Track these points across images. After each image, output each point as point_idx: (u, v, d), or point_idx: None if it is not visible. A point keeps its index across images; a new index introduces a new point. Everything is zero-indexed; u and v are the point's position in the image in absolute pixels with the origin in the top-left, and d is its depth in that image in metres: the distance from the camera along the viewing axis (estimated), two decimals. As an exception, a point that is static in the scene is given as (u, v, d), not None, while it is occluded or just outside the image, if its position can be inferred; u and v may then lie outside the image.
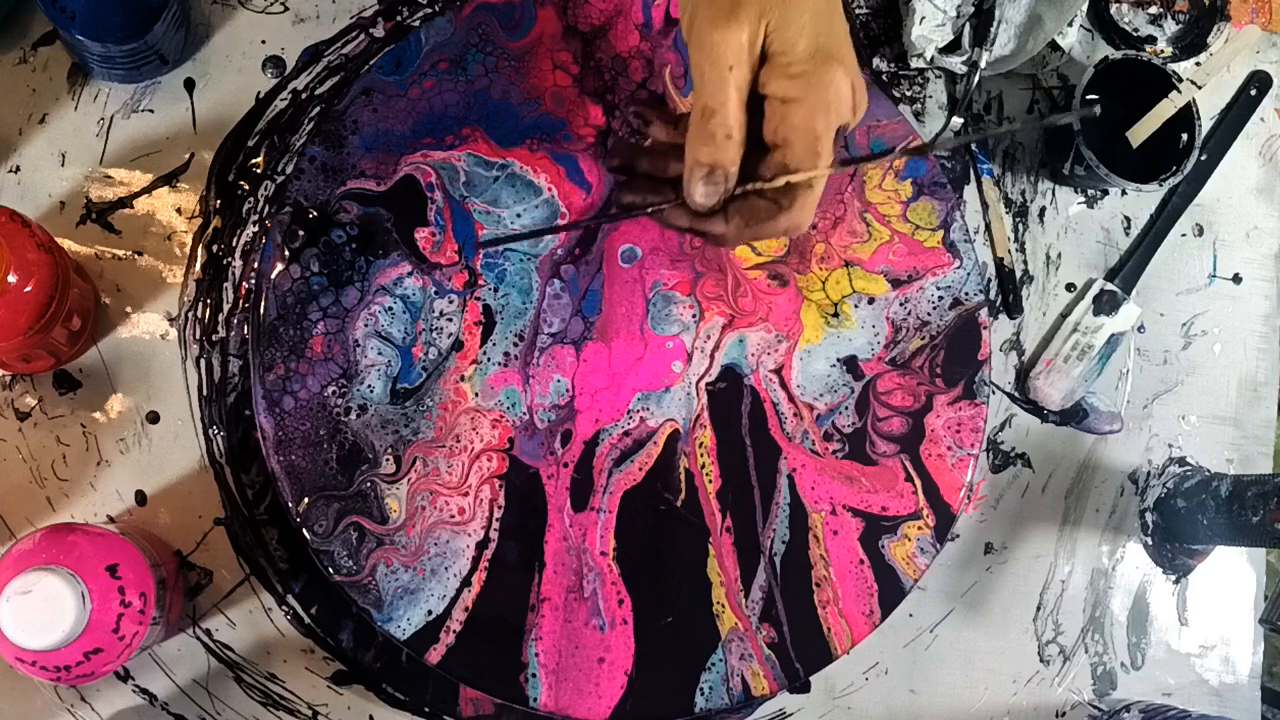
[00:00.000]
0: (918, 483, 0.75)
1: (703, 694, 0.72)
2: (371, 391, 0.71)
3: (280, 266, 0.71)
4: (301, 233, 0.71)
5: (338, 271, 0.72)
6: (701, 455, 0.74)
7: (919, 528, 0.75)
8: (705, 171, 0.58)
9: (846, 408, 0.76)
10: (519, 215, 0.74)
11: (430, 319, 0.73)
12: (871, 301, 0.77)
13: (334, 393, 0.71)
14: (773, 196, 0.59)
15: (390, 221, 0.73)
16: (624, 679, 0.71)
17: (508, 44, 0.76)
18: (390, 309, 0.72)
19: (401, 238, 0.73)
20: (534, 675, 0.71)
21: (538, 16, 0.76)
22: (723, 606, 0.73)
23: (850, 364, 0.76)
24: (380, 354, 0.72)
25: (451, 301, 0.73)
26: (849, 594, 0.74)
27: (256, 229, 0.77)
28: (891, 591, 0.74)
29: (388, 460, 0.71)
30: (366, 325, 0.72)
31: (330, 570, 0.69)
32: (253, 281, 0.76)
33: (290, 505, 0.70)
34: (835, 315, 0.76)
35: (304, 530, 0.69)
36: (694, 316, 0.75)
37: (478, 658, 0.70)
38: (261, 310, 0.71)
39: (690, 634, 0.72)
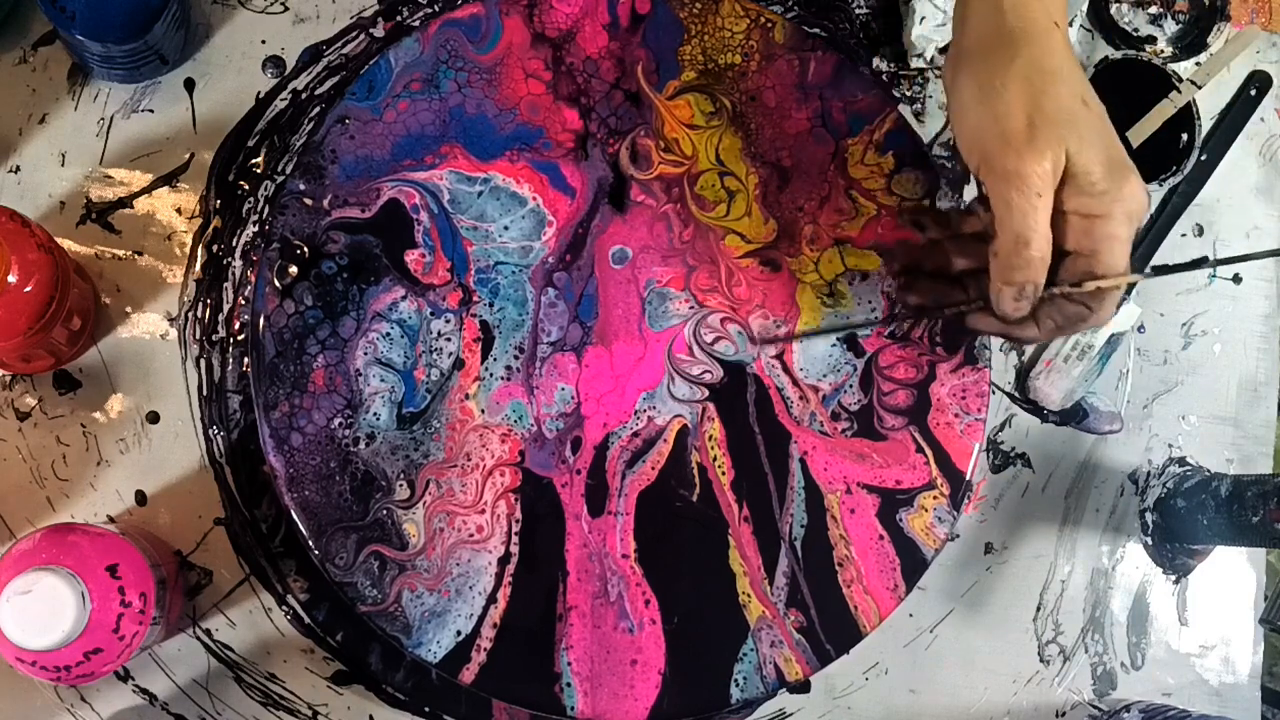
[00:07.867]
0: (929, 453, 0.76)
1: (737, 685, 0.72)
2: (378, 419, 0.71)
3: (274, 304, 0.71)
4: (292, 269, 0.71)
5: (332, 303, 0.72)
6: (712, 448, 0.74)
7: (934, 497, 0.75)
8: (1017, 290, 0.61)
9: (851, 386, 0.76)
10: (506, 228, 0.74)
11: (429, 340, 0.72)
12: (865, 277, 0.77)
13: (340, 424, 0.71)
14: (1080, 299, 0.62)
15: (379, 247, 0.73)
16: (658, 678, 0.72)
17: (477, 57, 0.75)
18: (388, 335, 0.72)
19: (391, 262, 0.73)
20: (569, 684, 0.71)
21: (504, 27, 0.76)
22: (749, 596, 0.73)
23: (850, 341, 0.76)
24: (383, 380, 0.72)
25: (448, 321, 0.73)
26: (872, 571, 0.74)
27: (256, 229, 0.77)
28: (913, 564, 0.74)
29: (401, 486, 0.71)
30: (366, 353, 0.72)
31: (356, 602, 0.69)
32: (246, 318, 0.76)
33: (310, 542, 0.70)
34: (831, 295, 0.76)
35: (326, 565, 0.69)
36: (691, 310, 0.75)
37: (511, 673, 0.71)
38: (260, 350, 0.71)
39: (719, 627, 0.73)
